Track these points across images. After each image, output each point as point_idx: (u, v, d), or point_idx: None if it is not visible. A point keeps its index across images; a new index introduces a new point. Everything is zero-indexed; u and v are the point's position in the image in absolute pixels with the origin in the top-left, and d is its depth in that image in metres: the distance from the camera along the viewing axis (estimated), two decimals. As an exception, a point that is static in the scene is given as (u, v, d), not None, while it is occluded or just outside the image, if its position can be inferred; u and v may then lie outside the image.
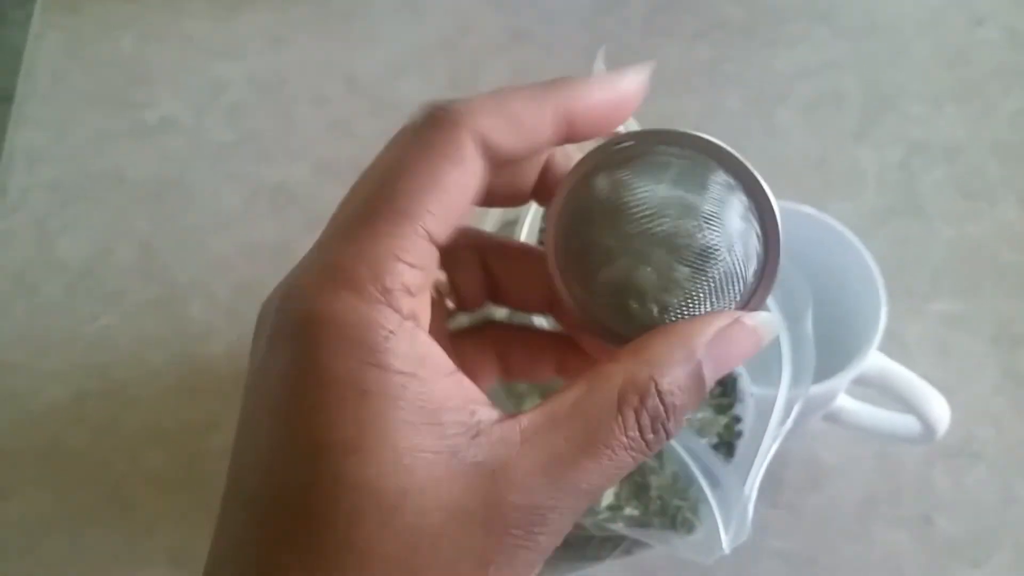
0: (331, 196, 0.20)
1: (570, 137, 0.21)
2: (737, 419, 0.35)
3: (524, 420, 0.19)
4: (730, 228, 0.20)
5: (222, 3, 0.61)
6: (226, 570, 0.19)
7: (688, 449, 0.30)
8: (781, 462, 0.45)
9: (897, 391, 0.40)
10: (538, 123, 0.20)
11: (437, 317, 0.21)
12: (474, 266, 0.24)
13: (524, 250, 0.24)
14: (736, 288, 0.21)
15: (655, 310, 0.20)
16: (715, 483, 0.30)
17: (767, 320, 0.21)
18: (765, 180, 0.21)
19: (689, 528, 0.32)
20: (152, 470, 0.46)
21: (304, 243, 0.20)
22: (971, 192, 0.52)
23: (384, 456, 0.18)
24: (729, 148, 0.20)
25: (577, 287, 0.21)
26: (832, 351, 0.39)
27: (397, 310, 0.18)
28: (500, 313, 0.25)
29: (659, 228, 0.20)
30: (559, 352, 0.24)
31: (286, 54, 0.59)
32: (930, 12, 0.59)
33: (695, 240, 0.20)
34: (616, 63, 0.23)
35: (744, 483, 0.31)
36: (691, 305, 0.20)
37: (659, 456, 0.33)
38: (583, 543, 0.35)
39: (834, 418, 0.43)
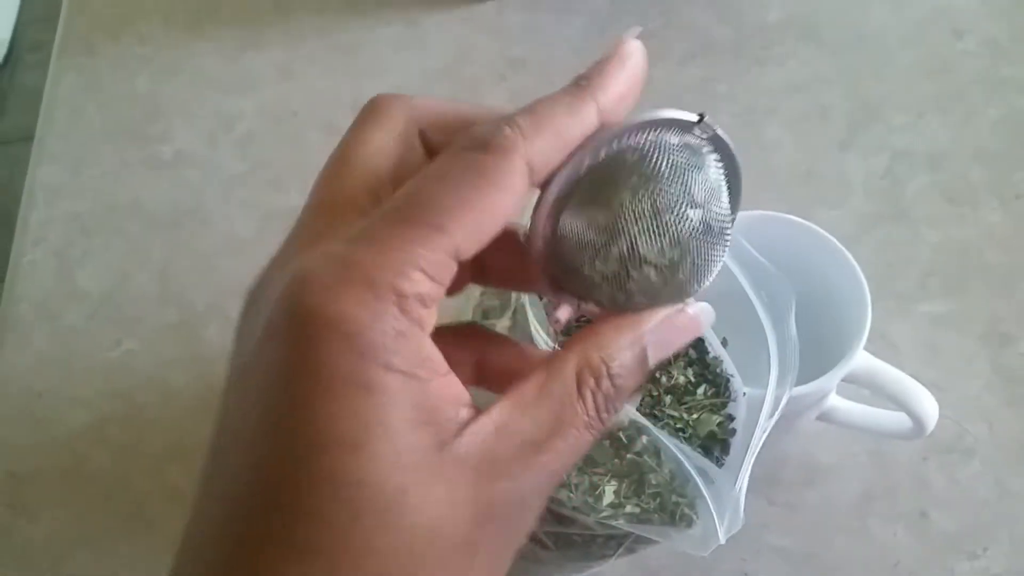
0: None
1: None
2: (731, 418, 0.36)
3: (494, 412, 0.20)
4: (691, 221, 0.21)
5: (232, 42, 0.63)
6: (199, 567, 0.19)
7: (681, 449, 0.32)
8: (779, 461, 0.45)
9: (885, 389, 0.40)
10: (577, 136, 0.20)
11: None
12: None
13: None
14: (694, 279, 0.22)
15: (621, 298, 0.21)
16: (708, 479, 0.31)
17: (706, 309, 0.22)
18: (736, 151, 0.22)
19: (688, 522, 0.33)
20: (174, 488, 0.47)
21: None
22: (955, 197, 0.53)
23: (386, 454, 0.18)
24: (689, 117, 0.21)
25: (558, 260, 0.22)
26: (823, 353, 0.39)
27: (407, 313, 0.18)
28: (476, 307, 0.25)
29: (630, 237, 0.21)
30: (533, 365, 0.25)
31: (295, 86, 0.61)
32: (912, 25, 0.60)
33: (664, 245, 0.21)
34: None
35: (737, 476, 0.32)
36: (653, 298, 0.21)
37: (657, 456, 0.34)
38: (587, 542, 0.36)
39: (828, 418, 0.43)
